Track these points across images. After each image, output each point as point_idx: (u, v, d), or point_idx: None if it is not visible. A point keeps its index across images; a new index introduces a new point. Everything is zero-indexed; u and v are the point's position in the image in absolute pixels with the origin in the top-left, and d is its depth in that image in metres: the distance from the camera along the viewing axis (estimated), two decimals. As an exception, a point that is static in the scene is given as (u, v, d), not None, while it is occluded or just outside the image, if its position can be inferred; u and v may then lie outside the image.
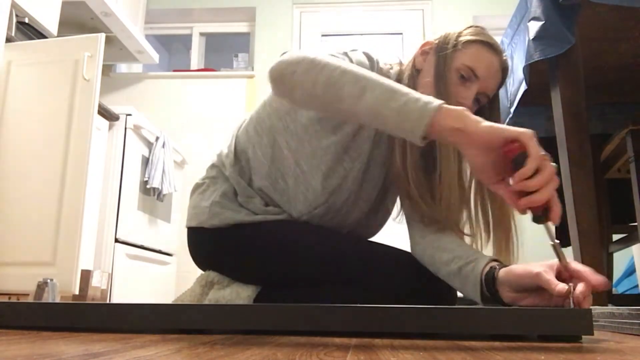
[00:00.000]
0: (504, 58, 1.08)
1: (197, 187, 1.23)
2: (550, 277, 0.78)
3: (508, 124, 1.61)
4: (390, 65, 1.14)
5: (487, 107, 1.08)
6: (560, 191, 1.29)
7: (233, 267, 1.16)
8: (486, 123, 0.75)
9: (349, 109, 0.81)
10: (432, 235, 1.05)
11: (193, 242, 1.22)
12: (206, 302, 1.12)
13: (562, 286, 0.75)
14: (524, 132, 0.73)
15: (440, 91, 1.00)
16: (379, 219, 1.23)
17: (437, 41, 1.08)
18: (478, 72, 1.02)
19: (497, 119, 1.08)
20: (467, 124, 0.75)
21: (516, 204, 0.77)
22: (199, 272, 1.29)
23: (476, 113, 0.87)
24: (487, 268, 0.90)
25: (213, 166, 1.23)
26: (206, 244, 1.19)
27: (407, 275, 1.07)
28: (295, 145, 1.07)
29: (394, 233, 1.33)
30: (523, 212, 0.77)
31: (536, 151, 0.73)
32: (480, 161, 0.77)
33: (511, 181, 0.77)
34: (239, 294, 1.11)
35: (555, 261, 0.80)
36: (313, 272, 1.09)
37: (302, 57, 0.86)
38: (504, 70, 1.07)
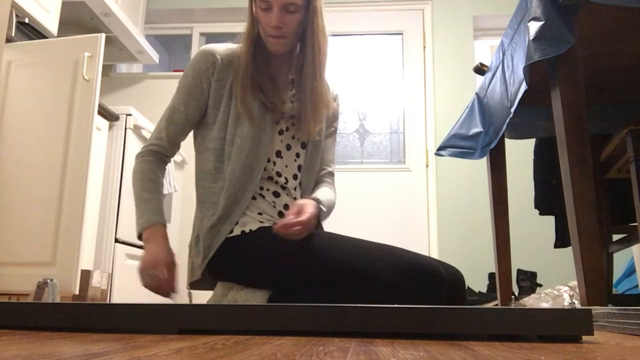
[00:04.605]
0: None
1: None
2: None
3: (508, 123, 1.62)
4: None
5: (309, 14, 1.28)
6: (560, 191, 1.30)
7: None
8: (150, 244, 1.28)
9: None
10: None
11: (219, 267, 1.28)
12: (225, 302, 1.22)
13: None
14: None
15: (261, 28, 1.31)
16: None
17: None
18: None
19: (316, 21, 1.29)
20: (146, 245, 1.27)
21: None
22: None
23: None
24: None
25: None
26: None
27: (414, 278, 1.11)
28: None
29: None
30: None
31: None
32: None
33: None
34: (255, 293, 1.20)
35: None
36: (319, 276, 1.16)
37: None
38: None
